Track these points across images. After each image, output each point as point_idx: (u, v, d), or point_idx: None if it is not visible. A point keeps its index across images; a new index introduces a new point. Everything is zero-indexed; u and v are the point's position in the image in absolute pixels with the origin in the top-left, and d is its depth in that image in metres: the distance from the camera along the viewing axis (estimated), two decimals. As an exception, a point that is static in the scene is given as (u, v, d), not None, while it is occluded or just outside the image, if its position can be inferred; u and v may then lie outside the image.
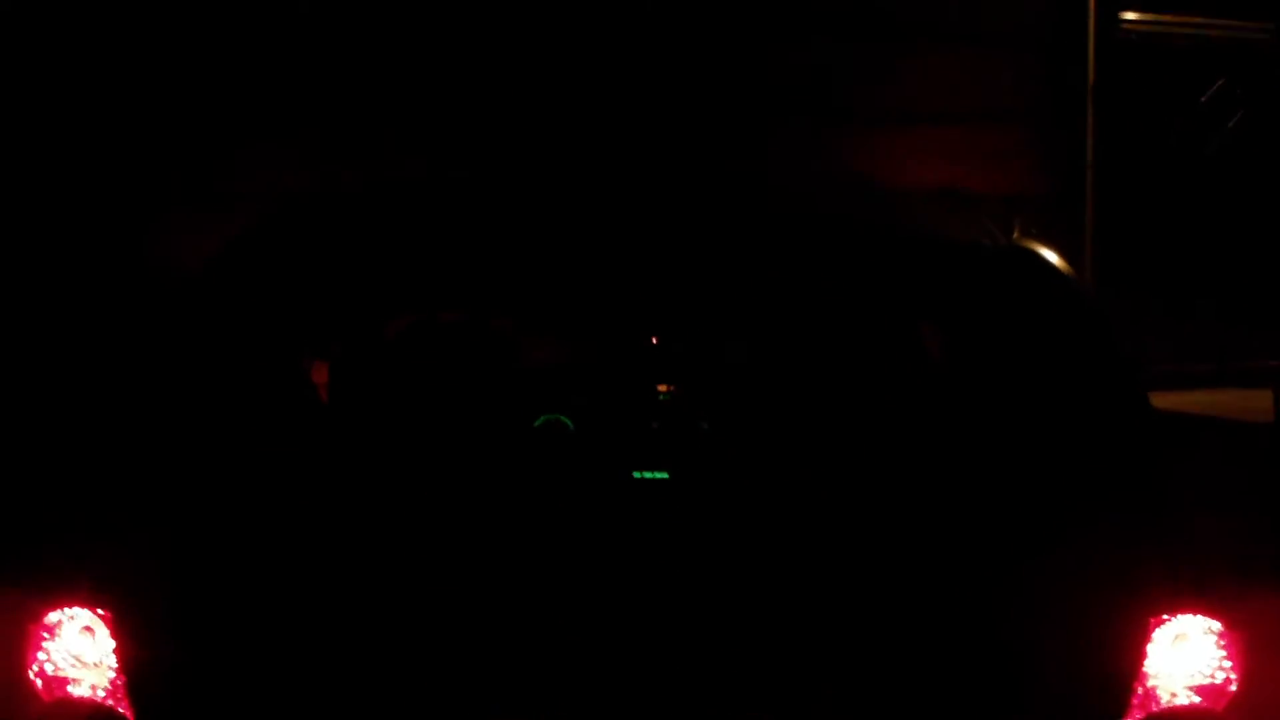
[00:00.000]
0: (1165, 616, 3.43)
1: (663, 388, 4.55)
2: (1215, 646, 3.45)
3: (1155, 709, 3.43)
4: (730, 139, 8.73)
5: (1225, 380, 9.81)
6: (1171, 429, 3.96)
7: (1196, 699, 3.45)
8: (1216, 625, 3.45)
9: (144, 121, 8.15)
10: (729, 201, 4.55)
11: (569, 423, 4.47)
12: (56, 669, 3.47)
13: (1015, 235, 4.16)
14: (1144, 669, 3.42)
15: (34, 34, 8.00)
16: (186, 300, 4.17)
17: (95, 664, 3.46)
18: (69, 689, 3.47)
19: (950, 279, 4.18)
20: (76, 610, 3.47)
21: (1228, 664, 3.45)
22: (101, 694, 3.46)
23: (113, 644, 3.45)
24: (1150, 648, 3.42)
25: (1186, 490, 3.74)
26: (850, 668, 3.44)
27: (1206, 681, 3.46)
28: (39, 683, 3.47)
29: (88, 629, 3.46)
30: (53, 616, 3.47)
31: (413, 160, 8.29)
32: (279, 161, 8.08)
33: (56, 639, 3.47)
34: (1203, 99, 10.33)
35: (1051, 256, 4.05)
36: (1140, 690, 3.42)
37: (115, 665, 3.45)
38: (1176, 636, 3.44)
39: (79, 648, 3.47)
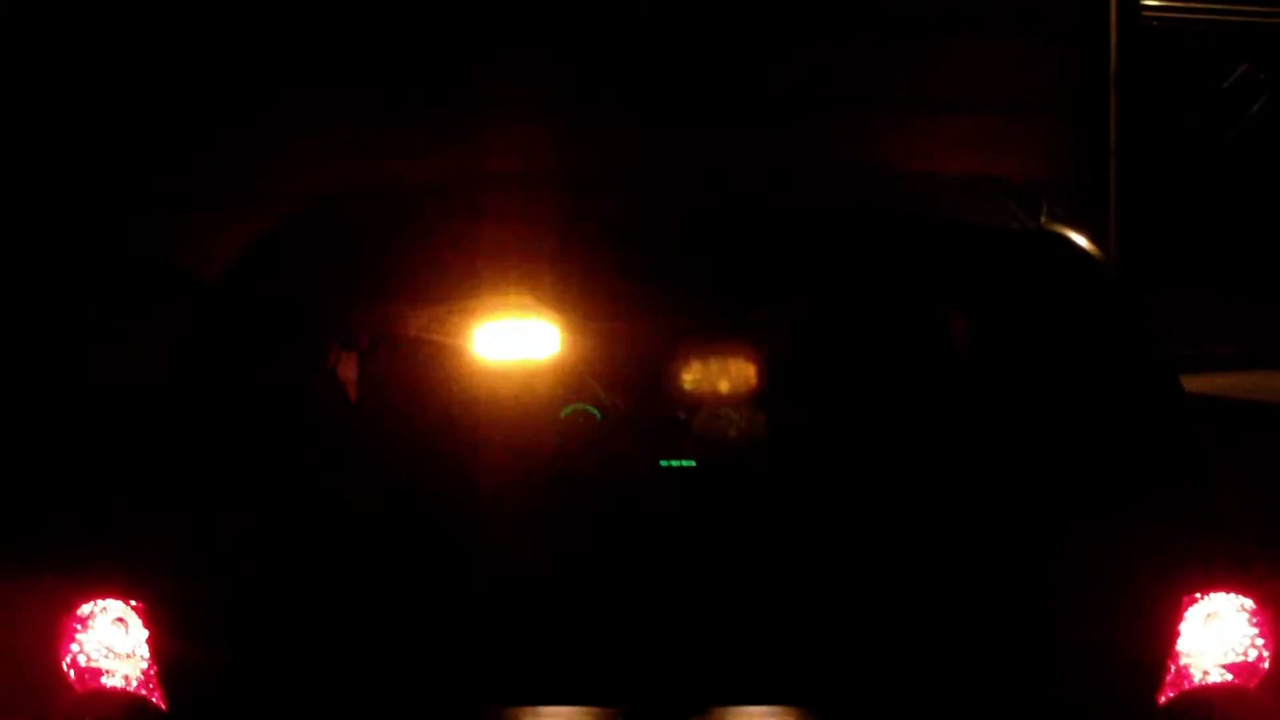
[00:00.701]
0: (1198, 595, 3.43)
1: (689, 378, 4.55)
2: (1248, 624, 3.45)
3: (1188, 687, 3.43)
4: (757, 129, 8.72)
5: (1250, 363, 9.78)
6: (1200, 410, 3.95)
7: (1229, 677, 3.45)
8: (1249, 603, 3.45)
9: (161, 120, 8.15)
10: (756, 191, 4.55)
11: (596, 412, 4.46)
12: (89, 660, 3.48)
13: (1044, 219, 4.15)
14: (1177, 647, 3.41)
15: (46, 30, 8.01)
16: (216, 296, 4.18)
17: (128, 655, 3.47)
18: (102, 680, 3.49)
19: (979, 263, 4.17)
20: (109, 601, 3.48)
21: (1260, 642, 3.45)
22: (134, 685, 3.47)
23: (145, 635, 3.46)
24: (1183, 626, 3.42)
25: (1216, 470, 3.74)
26: (884, 648, 3.44)
27: (1239, 659, 3.45)
28: (72, 674, 3.49)
29: (120, 620, 3.47)
30: (85, 608, 3.48)
31: (432, 157, 8.28)
32: (302, 161, 8.08)
33: (89, 630, 3.48)
34: (1225, 85, 10.30)
35: (1081, 240, 4.04)
36: (1173, 668, 3.42)
37: (148, 656, 3.46)
38: (1209, 615, 3.44)
39: (111, 639, 3.48)
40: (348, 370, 4.59)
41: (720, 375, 4.50)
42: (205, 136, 8.23)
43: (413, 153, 8.24)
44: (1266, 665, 3.45)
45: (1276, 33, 10.30)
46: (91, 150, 8.11)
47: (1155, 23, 9.94)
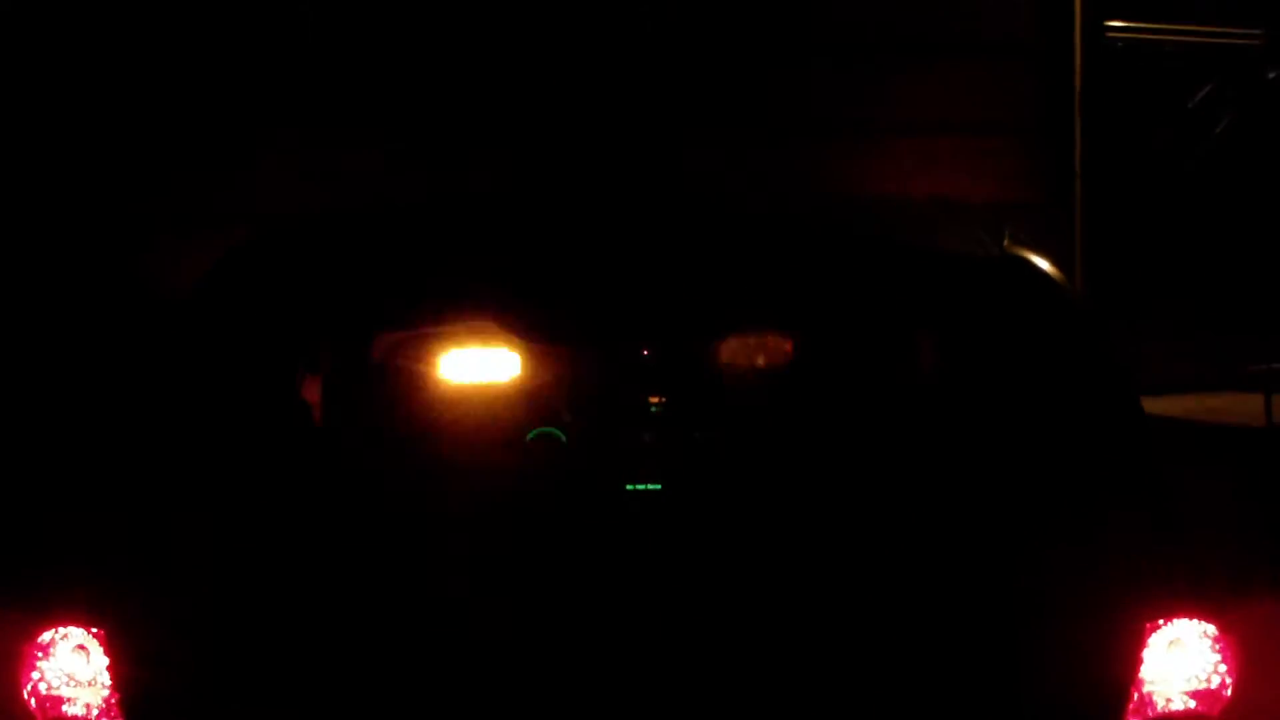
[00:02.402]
0: (1161, 621, 3.43)
1: (654, 400, 4.55)
2: (1211, 651, 3.45)
3: (1151, 714, 3.43)
4: (718, 151, 8.73)
5: (1217, 385, 9.82)
6: (1164, 434, 3.96)
7: (1192, 704, 3.45)
8: (1212, 630, 3.45)
9: (135, 142, 8.15)
10: (724, 217, 4.56)
11: (562, 436, 4.46)
12: (50, 688, 3.46)
13: (1006, 244, 4.16)
14: (1140, 674, 3.42)
15: (27, 51, 8.00)
16: (179, 319, 4.17)
17: (89, 683, 3.46)
18: (63, 708, 3.47)
19: (942, 288, 4.17)
20: (70, 629, 3.46)
21: (1223, 669, 3.45)
22: (95, 713, 3.45)
23: (106, 662, 3.44)
24: (1146, 653, 3.42)
25: (1180, 495, 3.74)
26: (845, 676, 3.44)
27: (1203, 686, 3.45)
28: (33, 702, 3.47)
29: (81, 648, 3.46)
30: (46, 635, 3.46)
31: (410, 179, 8.29)
32: (272, 183, 8.09)
33: (50, 658, 3.46)
34: (1190, 105, 10.35)
35: (1043, 264, 4.05)
36: (1136, 695, 3.42)
37: (109, 684, 3.44)
38: (1172, 641, 3.44)
39: (73, 667, 3.46)
40: (311, 393, 4.58)
41: (686, 399, 4.51)
42: (174, 161, 8.23)
43: (381, 178, 8.24)
44: (1229, 693, 3.45)
45: (1241, 52, 10.35)
46: (81, 171, 8.10)
47: (1120, 43, 9.98)
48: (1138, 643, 3.42)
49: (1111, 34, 9.89)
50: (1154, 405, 4.02)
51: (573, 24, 8.70)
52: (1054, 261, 4.07)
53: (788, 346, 4.47)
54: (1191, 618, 3.44)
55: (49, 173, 8.05)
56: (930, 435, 4.22)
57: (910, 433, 4.26)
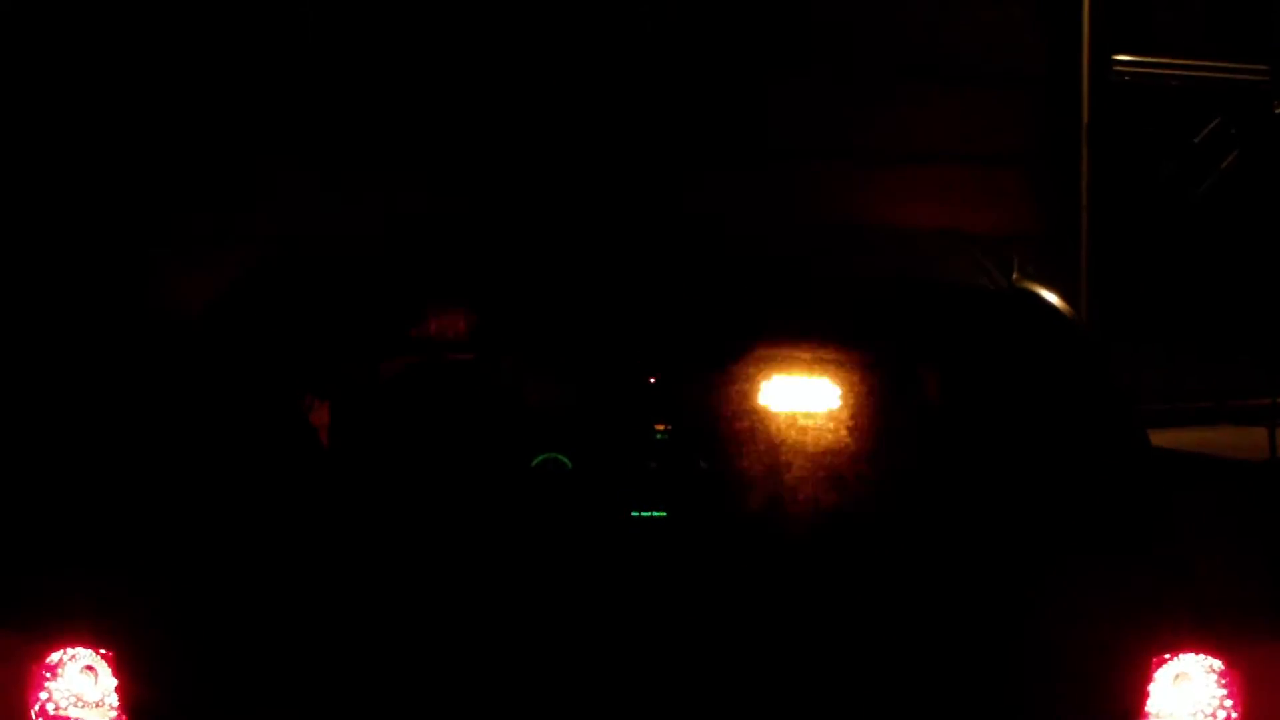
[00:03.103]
0: (1167, 656, 3.43)
1: (660, 427, 4.55)
2: (1216, 685, 3.45)
3: (1157, 749, 3.43)
4: (722, 178, 8.73)
5: (1221, 418, 9.81)
6: (1169, 467, 3.96)
7: (1198, 739, 3.45)
8: (1218, 664, 3.45)
9: (143, 162, 8.15)
10: (730, 245, 4.56)
11: (567, 462, 4.46)
12: (58, 709, 3.46)
13: (1015, 276, 4.17)
14: (1146, 708, 3.42)
15: (37, 66, 8.01)
16: (188, 340, 4.18)
17: (97, 703, 3.46)
18: (71, 729, 3.47)
19: (951, 320, 4.18)
20: (78, 650, 3.46)
21: (1229, 703, 3.45)
22: (103, 734, 3.46)
23: (115, 683, 3.44)
24: (1152, 687, 3.42)
25: (1186, 528, 3.74)
26: (850, 710, 3.44)
27: (1208, 721, 3.46)
28: (40, 722, 3.47)
29: (89, 668, 3.46)
30: (54, 656, 3.47)
31: (418, 196, 8.29)
32: (279, 205, 8.09)
33: (58, 679, 3.46)
34: (1196, 140, 10.36)
35: (1051, 297, 4.06)
36: (1142, 730, 3.42)
37: (117, 704, 3.44)
38: (1178, 676, 3.44)
39: (81, 687, 3.46)
40: (319, 416, 4.58)
41: (692, 426, 4.51)
42: (182, 182, 8.23)
43: (387, 202, 8.25)
44: (1234, 728, 3.46)
45: (1247, 88, 10.36)
46: (73, 194, 8.10)
47: (1126, 77, 9.99)
48: (1144, 677, 3.41)
49: (1119, 68, 9.91)
50: (1159, 438, 4.02)
51: (579, 48, 8.71)
52: (1062, 295, 4.07)
53: (795, 376, 4.47)
54: (1198, 652, 3.44)
55: (57, 190, 8.05)
56: (938, 467, 4.22)
57: (917, 464, 4.26)
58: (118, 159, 8.14)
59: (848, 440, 4.34)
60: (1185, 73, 10.20)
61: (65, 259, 8.02)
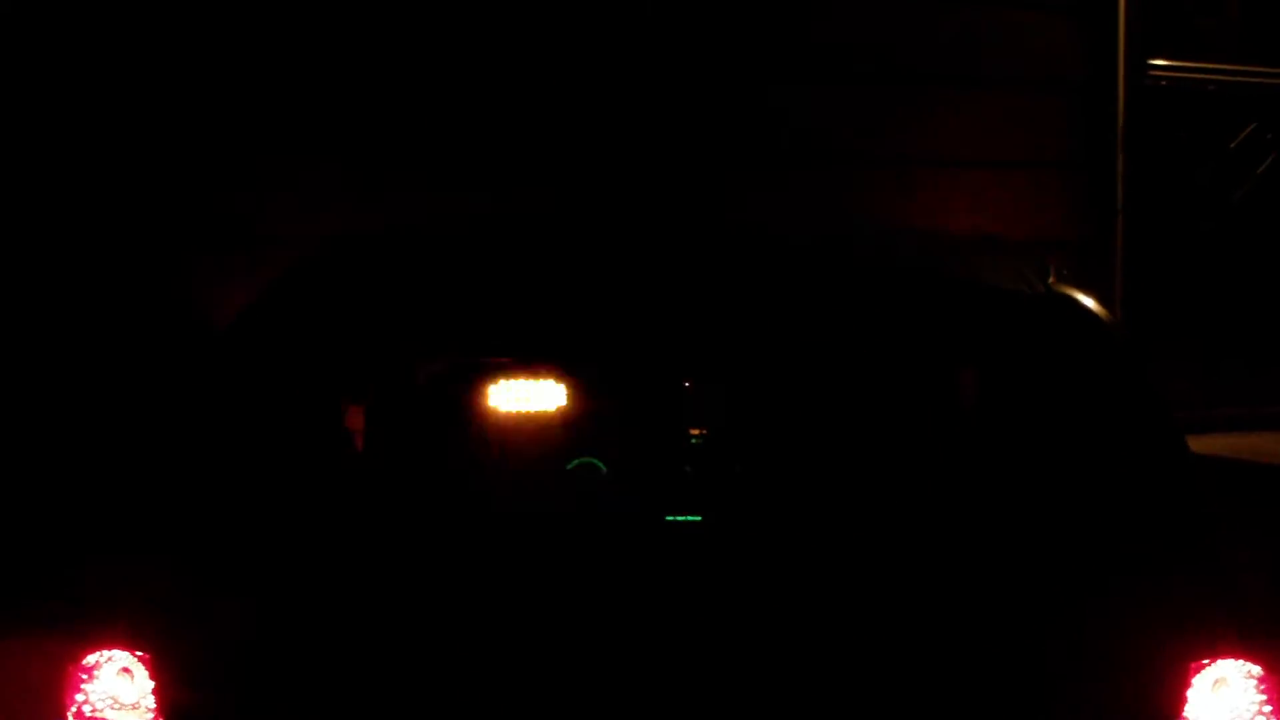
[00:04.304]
0: (1205, 661, 3.42)
1: (695, 431, 4.54)
2: (1255, 691, 3.44)
3: (1196, 755, 3.42)
4: (762, 183, 8.73)
5: (1258, 424, 9.79)
6: (1207, 472, 3.95)
7: (1236, 744, 3.44)
8: (1257, 670, 3.43)
9: (173, 163, 8.17)
10: (768, 248, 4.56)
11: (602, 466, 4.46)
12: (95, 710, 3.47)
13: (1052, 281, 4.16)
14: (1184, 713, 3.40)
15: (62, 63, 8.02)
16: (223, 345, 4.18)
17: (133, 705, 3.46)
18: (107, 731, 3.48)
19: (988, 325, 4.17)
20: (115, 652, 3.47)
21: (1268, 709, 3.44)
22: (139, 736, 3.47)
23: (151, 685, 3.45)
24: (1190, 692, 3.41)
25: (1224, 534, 3.73)
26: (885, 712, 3.43)
27: (1247, 727, 3.44)
28: (78, 725, 3.49)
29: (126, 670, 3.47)
30: (91, 658, 3.48)
31: (452, 203, 8.29)
32: (312, 206, 8.10)
33: (95, 680, 3.47)
34: (1232, 145, 10.33)
35: (1087, 302, 4.04)
36: (1180, 735, 3.41)
37: (153, 706, 3.45)
38: (1216, 681, 3.43)
39: (117, 689, 3.47)
40: (355, 420, 4.59)
41: (727, 431, 4.50)
42: (209, 182, 8.25)
43: (421, 204, 8.25)
44: (1274, 733, 3.44)
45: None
46: (120, 193, 8.12)
47: (1163, 81, 9.97)
48: (1182, 682, 3.40)
49: (1155, 72, 9.89)
50: (1197, 444, 4.00)
51: (607, 55, 8.71)
52: (1098, 299, 4.06)
53: (831, 380, 4.47)
54: (1236, 658, 3.43)
55: (88, 191, 8.06)
56: (974, 472, 4.21)
57: (954, 469, 4.25)
58: (147, 160, 8.15)
59: (884, 444, 4.33)
60: (1222, 78, 10.18)
61: (98, 261, 8.04)
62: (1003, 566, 3.66)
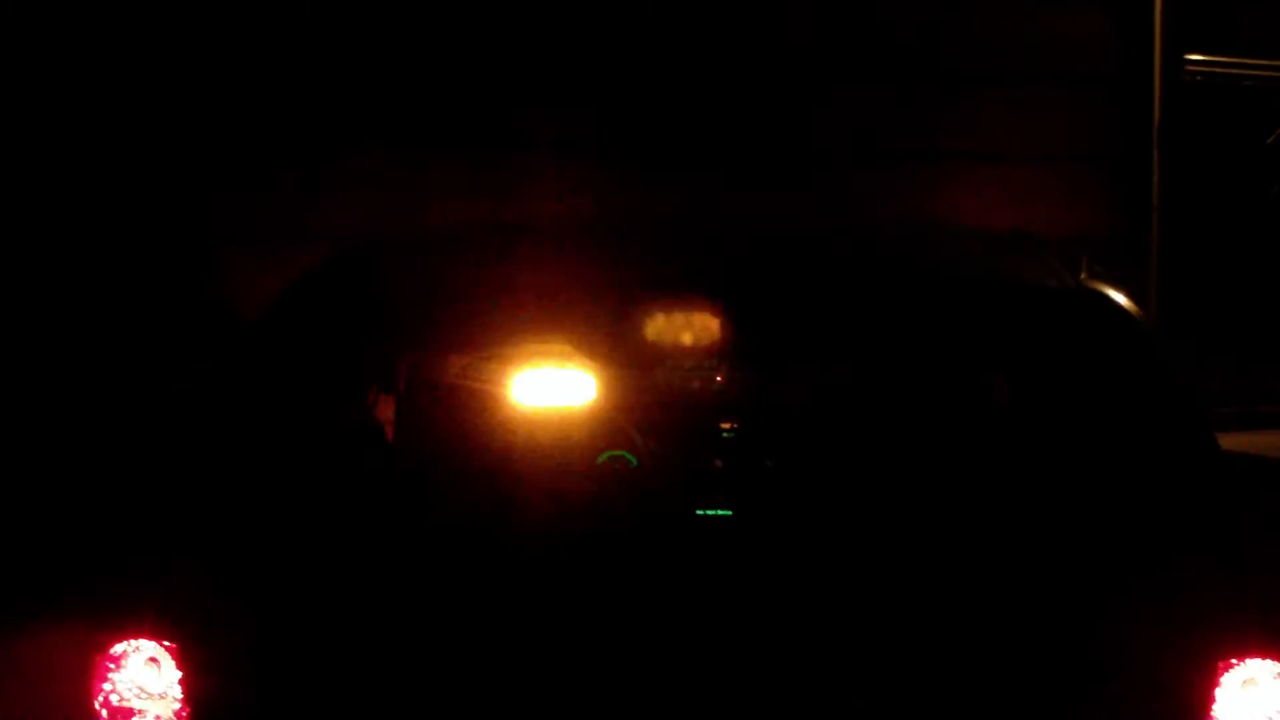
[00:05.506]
0: (1234, 660, 3.40)
1: (726, 425, 4.54)
2: None
3: (1224, 754, 3.40)
4: (794, 181, 8.71)
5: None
6: (1241, 471, 3.93)
7: (1266, 744, 3.42)
8: (1289, 669, 3.42)
9: (207, 158, 8.18)
10: (796, 241, 4.55)
11: (633, 459, 4.47)
12: (122, 700, 3.48)
13: (1083, 276, 4.15)
14: (1212, 713, 3.39)
15: (93, 65, 8.04)
16: (254, 334, 4.19)
17: (160, 695, 3.47)
18: (133, 720, 3.49)
19: (1018, 320, 4.16)
20: (142, 641, 3.48)
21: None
22: (166, 726, 3.47)
23: (178, 675, 3.46)
24: (1219, 691, 3.39)
25: (1257, 532, 3.72)
26: (910, 705, 3.43)
27: (1277, 727, 3.43)
28: (104, 714, 3.49)
29: (153, 660, 3.47)
30: (118, 647, 3.48)
31: (485, 203, 8.29)
32: (347, 204, 8.10)
33: (122, 670, 3.48)
34: (1269, 140, 10.28)
35: (1119, 298, 4.04)
36: (1209, 735, 3.40)
37: (180, 696, 3.46)
38: (1245, 681, 3.41)
39: (144, 679, 3.48)
40: (385, 411, 4.59)
41: (758, 425, 4.50)
42: (247, 177, 8.26)
43: (451, 196, 8.25)
44: (1303, 733, 3.43)
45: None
46: (133, 188, 8.14)
47: (1199, 77, 9.92)
48: (1211, 682, 3.39)
49: (1191, 67, 9.84)
50: (1230, 441, 3.99)
51: (636, 52, 8.70)
52: (1130, 295, 4.05)
53: (864, 374, 4.46)
54: (1265, 657, 3.42)
55: (121, 186, 8.08)
56: (1003, 467, 4.20)
57: (983, 464, 4.24)
58: (181, 158, 8.16)
59: (915, 439, 4.33)
60: (1259, 73, 10.12)
61: (132, 257, 8.06)
62: (1032, 564, 3.65)
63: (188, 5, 8.17)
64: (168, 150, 8.17)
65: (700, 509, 4.24)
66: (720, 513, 4.23)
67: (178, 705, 3.46)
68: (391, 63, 8.41)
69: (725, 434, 4.52)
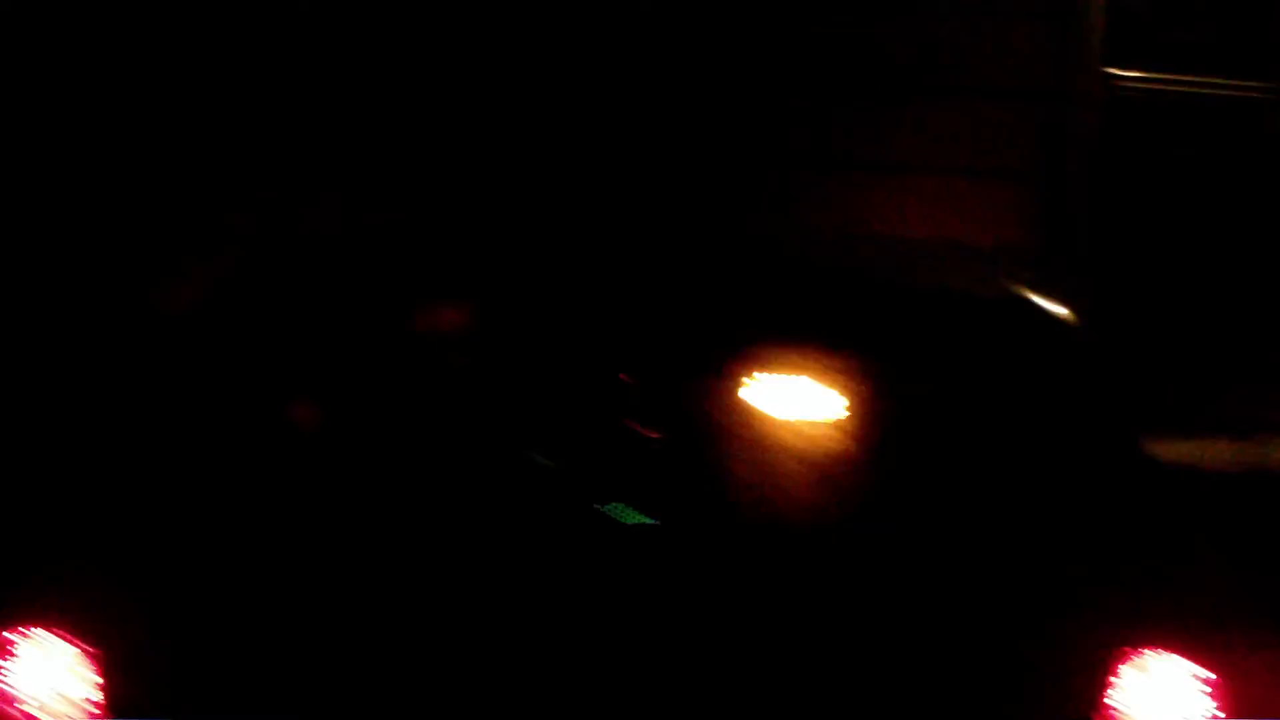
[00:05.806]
0: (1132, 653, 3.43)
1: (654, 434, 4.54)
2: (1195, 692, 3.45)
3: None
4: (719, 190, 8.73)
5: (1228, 430, 9.79)
6: (1175, 479, 3.99)
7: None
8: (1196, 668, 3.45)
9: (147, 153, 8.16)
10: (726, 247, 4.58)
11: (557, 466, 4.46)
12: (35, 702, 3.46)
13: (1010, 283, 4.19)
14: (1105, 701, 3.42)
15: (30, 55, 8.03)
16: (179, 334, 4.19)
17: (68, 688, 3.45)
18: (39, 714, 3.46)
19: (946, 328, 4.20)
20: (62, 644, 3.45)
21: (1209, 705, 3.45)
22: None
23: (90, 669, 3.43)
24: (1115, 680, 3.42)
25: (1189, 538, 3.77)
26: (825, 704, 3.45)
27: (1178, 722, 3.46)
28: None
29: (68, 661, 3.45)
30: (28, 647, 3.46)
31: (421, 196, 8.28)
32: (290, 201, 8.08)
33: (35, 670, 3.46)
34: (1197, 154, 10.35)
35: (1046, 304, 4.08)
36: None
37: (92, 694, 3.43)
38: (1143, 672, 3.44)
39: (59, 681, 3.45)
40: (309, 411, 4.57)
41: (689, 434, 4.51)
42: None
43: (383, 198, 8.25)
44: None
45: (1248, 105, 10.36)
46: (73, 182, 8.13)
47: (1129, 92, 10.00)
48: (1106, 673, 3.42)
49: (1119, 82, 9.91)
50: (1165, 450, 4.03)
51: (588, 56, 8.71)
52: (1059, 303, 4.09)
53: (792, 381, 4.47)
54: (1167, 651, 3.45)
55: (57, 178, 8.07)
56: (932, 472, 4.22)
57: (913, 470, 4.26)
58: (110, 159, 8.15)
59: (843, 446, 4.34)
60: (1185, 89, 10.20)
61: (60, 258, 8.04)
62: (954, 565, 3.68)
63: (156, 15, 8.18)
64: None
65: (625, 517, 4.24)
66: (645, 520, 4.22)
67: (96, 711, 3.43)
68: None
69: (650, 441, 4.52)
